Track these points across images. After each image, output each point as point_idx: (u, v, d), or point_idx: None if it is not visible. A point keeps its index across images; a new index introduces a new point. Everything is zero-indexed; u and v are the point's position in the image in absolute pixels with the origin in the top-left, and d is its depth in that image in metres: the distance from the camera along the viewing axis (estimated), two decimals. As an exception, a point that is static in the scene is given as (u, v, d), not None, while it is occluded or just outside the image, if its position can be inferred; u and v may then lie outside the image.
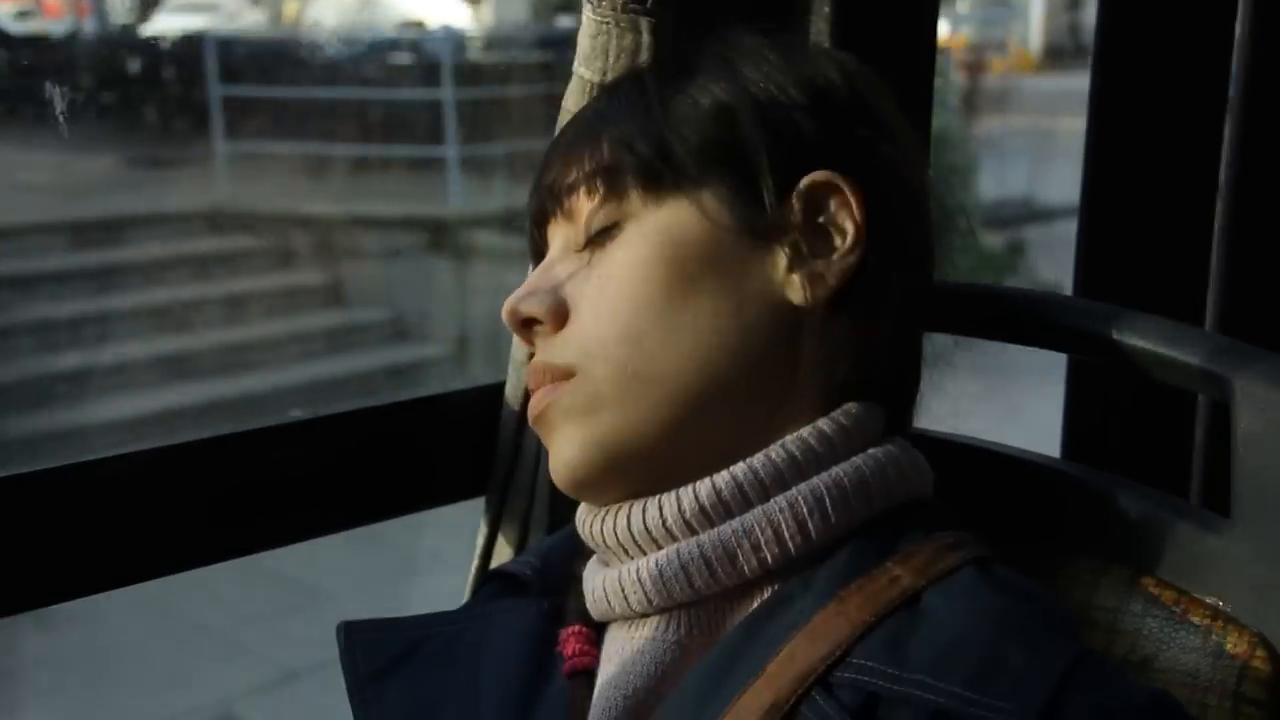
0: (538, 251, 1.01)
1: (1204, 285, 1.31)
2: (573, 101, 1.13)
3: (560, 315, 0.94)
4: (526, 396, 1.17)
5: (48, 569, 1.07)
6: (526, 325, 0.96)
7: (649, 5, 1.10)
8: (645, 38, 1.10)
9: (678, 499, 0.90)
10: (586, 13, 1.12)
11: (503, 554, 1.24)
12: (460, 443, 1.26)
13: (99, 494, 1.08)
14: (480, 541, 1.25)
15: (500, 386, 1.24)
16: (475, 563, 1.26)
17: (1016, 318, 1.10)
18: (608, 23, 1.10)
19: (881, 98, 0.99)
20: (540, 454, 1.20)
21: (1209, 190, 1.29)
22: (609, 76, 1.10)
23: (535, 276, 0.96)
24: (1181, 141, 1.31)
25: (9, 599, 1.06)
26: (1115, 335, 1.01)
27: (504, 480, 1.23)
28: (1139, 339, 1.00)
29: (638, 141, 0.93)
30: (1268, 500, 0.90)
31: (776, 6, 1.05)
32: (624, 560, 0.92)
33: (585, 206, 0.94)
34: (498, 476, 1.24)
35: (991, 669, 0.77)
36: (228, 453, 1.14)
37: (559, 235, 0.97)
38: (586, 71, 1.12)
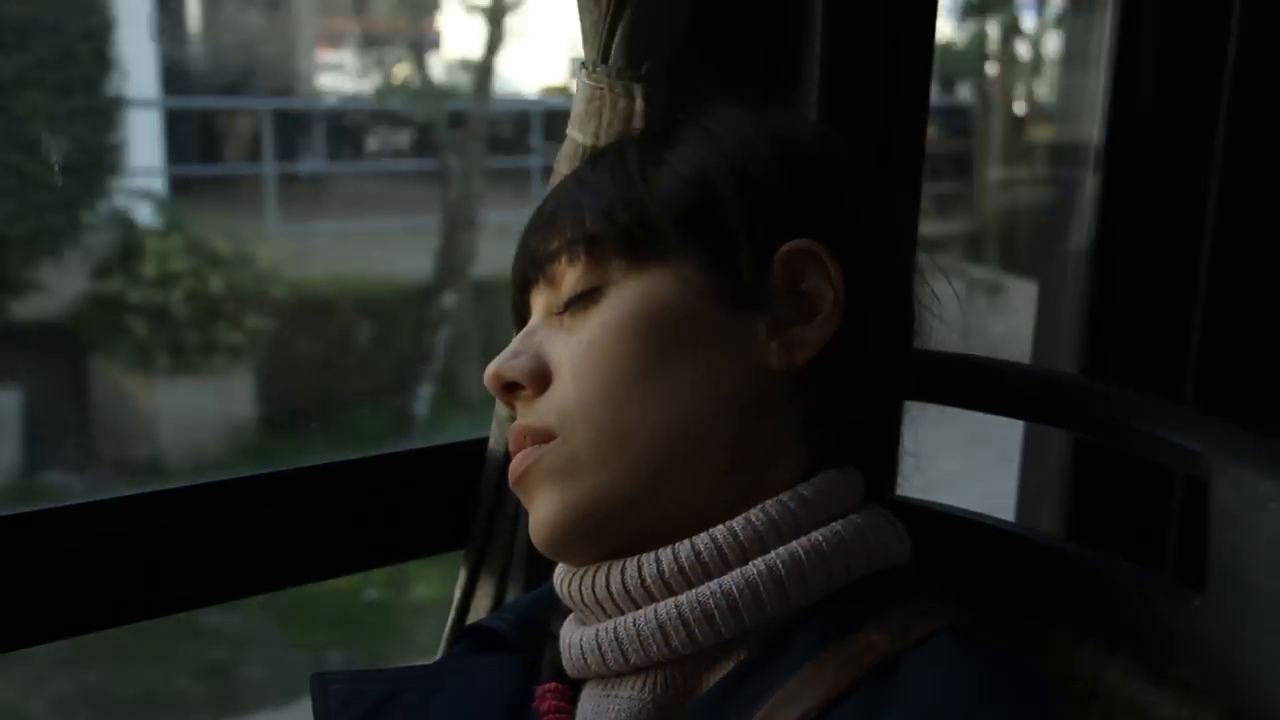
0: (520, 317, 1.02)
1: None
2: (565, 164, 1.14)
3: (541, 380, 0.94)
4: (508, 454, 1.19)
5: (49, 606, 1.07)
6: (509, 389, 0.97)
7: (642, 72, 1.12)
8: (638, 103, 1.12)
9: (657, 560, 0.90)
10: (581, 78, 1.13)
11: (480, 609, 1.24)
12: (441, 497, 1.26)
13: (82, 538, 1.08)
14: (457, 595, 1.25)
15: (482, 442, 1.24)
16: (451, 616, 1.26)
17: (996, 389, 1.11)
18: (601, 88, 1.12)
19: (861, 166, 1.00)
20: (519, 511, 1.20)
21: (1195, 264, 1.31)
22: (601, 141, 1.12)
23: (517, 341, 0.97)
24: (1172, 218, 1.32)
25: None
26: (1091, 408, 1.02)
27: (483, 535, 1.24)
28: (1115, 413, 1.01)
29: (619, 210, 0.94)
30: (1241, 577, 0.91)
31: (767, 74, 1.06)
32: (601, 619, 0.93)
33: (568, 273, 0.95)
34: (477, 531, 1.24)
35: None
36: (206, 502, 1.14)
37: (541, 301, 0.98)
38: (580, 135, 1.13)
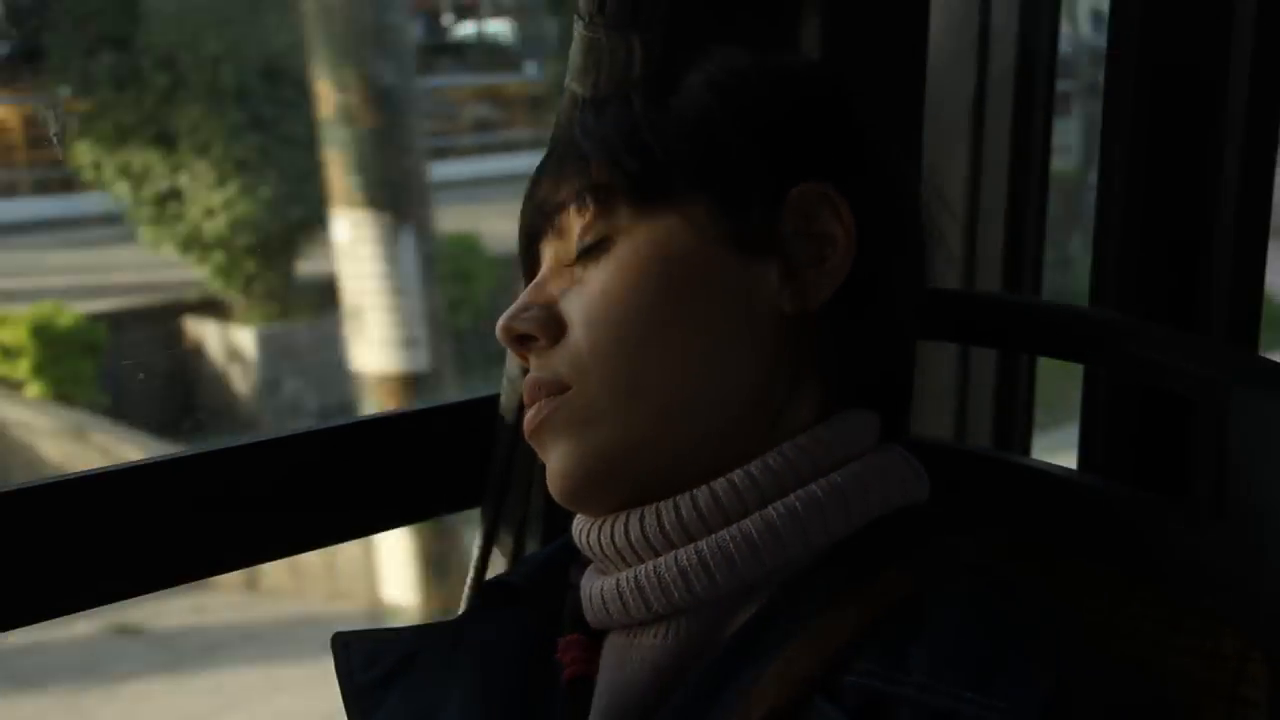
0: (530, 268, 1.01)
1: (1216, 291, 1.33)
2: (565, 116, 1.13)
3: (554, 331, 0.94)
4: (520, 408, 1.18)
5: (44, 584, 1.07)
6: (521, 341, 0.96)
7: (639, 21, 1.11)
8: (637, 53, 1.11)
9: (675, 506, 0.90)
10: (578, 28, 1.12)
11: (498, 565, 1.24)
12: (455, 455, 1.26)
13: (102, 506, 1.08)
14: (475, 552, 1.26)
15: (494, 399, 1.24)
16: (471, 573, 1.26)
17: (1011, 325, 1.11)
18: (599, 38, 1.11)
19: (866, 106, 0.99)
20: (534, 466, 1.20)
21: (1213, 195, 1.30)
22: (601, 91, 1.11)
23: (528, 293, 0.97)
24: (1185, 150, 1.31)
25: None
26: (1104, 340, 1.02)
27: (498, 492, 1.24)
28: (1129, 344, 1.01)
29: (625, 158, 0.93)
30: (1260, 503, 0.91)
31: (765, 21, 1.05)
32: (622, 568, 0.93)
33: (576, 223, 0.95)
34: (492, 488, 1.24)
35: (992, 669, 0.77)
36: (219, 465, 1.14)
37: (550, 252, 0.98)
38: (578, 86, 1.13)
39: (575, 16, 1.13)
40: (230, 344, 6.99)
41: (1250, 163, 1.30)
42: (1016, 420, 1.59)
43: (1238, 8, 1.26)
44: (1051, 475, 1.07)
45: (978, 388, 1.58)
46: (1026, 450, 1.59)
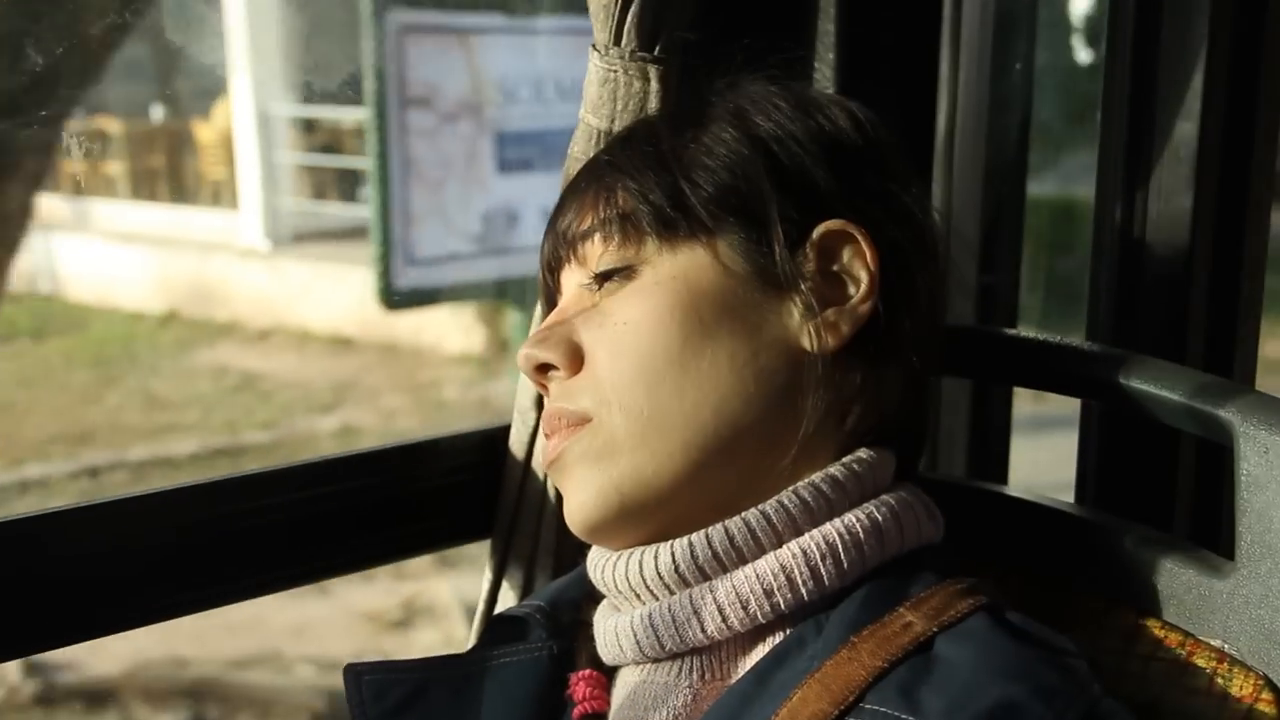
0: (550, 297, 1.02)
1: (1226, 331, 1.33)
2: (579, 148, 1.13)
3: (575, 360, 0.94)
4: (531, 440, 1.19)
5: (63, 610, 1.07)
6: (541, 370, 0.96)
7: (657, 53, 1.11)
8: (653, 85, 1.11)
9: (690, 544, 0.90)
10: (594, 60, 1.12)
11: (507, 598, 1.24)
12: (464, 486, 1.26)
13: (112, 536, 1.07)
14: (485, 585, 1.25)
15: (505, 429, 1.24)
16: (481, 606, 1.25)
17: (1019, 361, 1.11)
18: (615, 70, 1.11)
19: (891, 144, 1.00)
20: (545, 498, 1.20)
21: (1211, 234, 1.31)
22: (617, 124, 1.11)
23: (549, 322, 0.97)
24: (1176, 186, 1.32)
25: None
26: (1115, 378, 1.02)
27: (509, 524, 1.23)
28: (1140, 382, 1.01)
29: (653, 190, 0.93)
30: (1272, 544, 0.91)
31: (782, 53, 1.06)
32: (636, 605, 0.93)
33: (600, 252, 0.95)
34: (502, 520, 1.24)
35: (1004, 715, 0.77)
36: (226, 496, 1.13)
37: (572, 281, 0.98)
38: (594, 119, 1.12)
39: (591, 48, 1.13)
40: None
41: (1246, 199, 1.31)
42: (991, 450, 1.60)
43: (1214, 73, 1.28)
44: (1067, 515, 1.06)
45: (952, 417, 1.58)
46: (1003, 480, 1.59)
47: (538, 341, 0.95)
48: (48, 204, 8.27)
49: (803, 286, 0.92)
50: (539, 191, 6.00)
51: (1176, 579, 0.97)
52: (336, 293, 8.30)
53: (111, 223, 9.27)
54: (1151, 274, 1.30)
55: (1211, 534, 1.32)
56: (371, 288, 6.23)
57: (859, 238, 0.92)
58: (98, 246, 9.16)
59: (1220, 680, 0.92)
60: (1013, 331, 1.13)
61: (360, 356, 8.09)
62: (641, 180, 0.94)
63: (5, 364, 7.68)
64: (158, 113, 9.71)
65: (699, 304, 0.91)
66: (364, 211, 7.69)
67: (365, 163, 7.15)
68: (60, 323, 8.54)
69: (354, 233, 7.98)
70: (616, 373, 0.92)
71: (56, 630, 1.07)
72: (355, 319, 8.03)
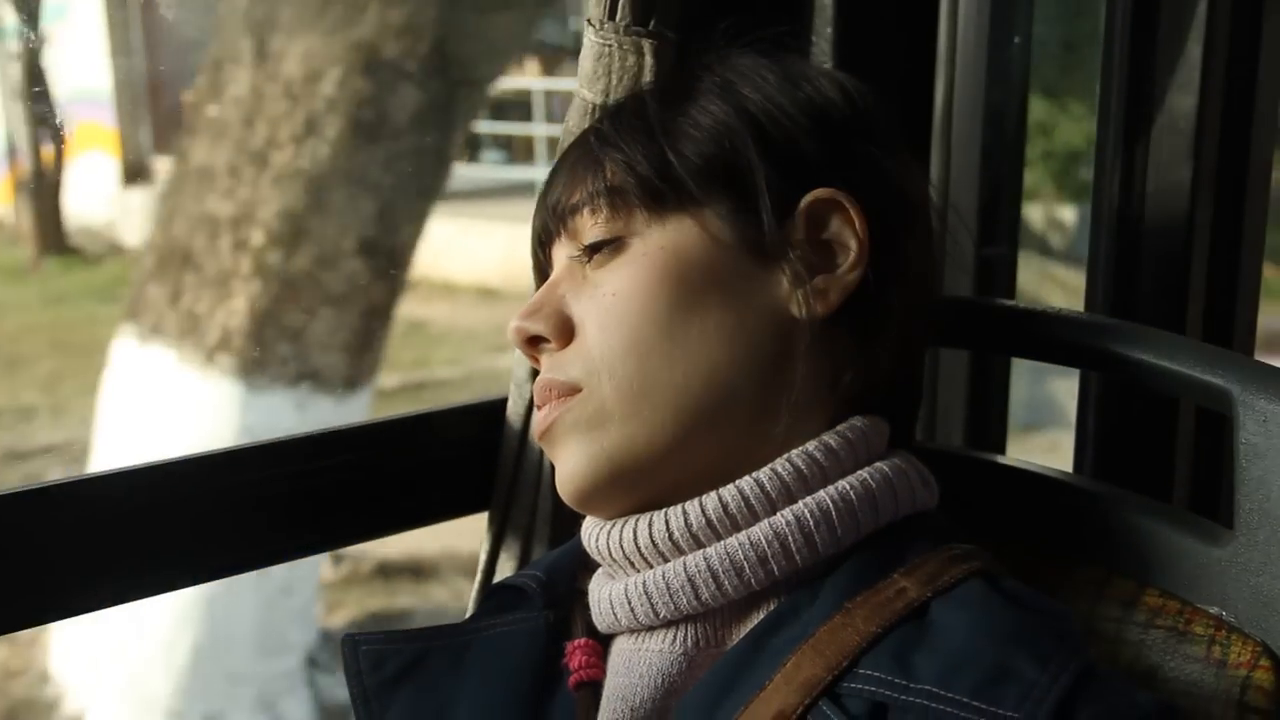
0: (542, 270, 1.02)
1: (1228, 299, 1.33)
2: (574, 122, 1.13)
3: (566, 332, 0.94)
4: (528, 412, 1.19)
5: (56, 584, 1.07)
6: (532, 343, 0.97)
7: (651, 27, 1.11)
8: (648, 59, 1.10)
9: (684, 512, 0.90)
10: (588, 34, 1.12)
11: (505, 568, 1.24)
12: (462, 458, 1.26)
13: (109, 507, 1.07)
14: (483, 555, 1.25)
15: (502, 402, 1.24)
16: (479, 576, 1.26)
17: (1018, 332, 1.11)
18: (610, 44, 1.11)
19: (880, 114, 0.99)
20: (542, 469, 1.20)
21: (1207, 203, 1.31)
22: (611, 97, 1.11)
23: (540, 294, 0.97)
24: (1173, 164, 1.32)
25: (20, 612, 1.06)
26: (1115, 348, 1.02)
27: (506, 495, 1.24)
28: (1140, 352, 1.01)
29: (640, 162, 0.94)
30: (1270, 512, 0.91)
31: (779, 27, 1.05)
32: (630, 573, 0.93)
33: (590, 225, 0.95)
34: (500, 492, 1.24)
35: (999, 679, 0.77)
36: (224, 468, 1.14)
37: (563, 254, 0.98)
38: (588, 92, 1.12)
39: (586, 22, 1.13)
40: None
41: (1245, 171, 1.31)
42: (991, 421, 1.60)
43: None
44: (1063, 484, 1.06)
45: (949, 388, 1.59)
46: (1001, 451, 1.59)
47: (528, 314, 0.96)
48: None
49: (791, 255, 0.92)
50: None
51: (1175, 547, 0.97)
52: (480, 248, 8.65)
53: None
54: (1150, 245, 1.30)
55: (1210, 503, 1.32)
56: (512, 243, 6.65)
57: (847, 206, 0.92)
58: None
59: (1218, 648, 0.92)
60: (1010, 303, 1.13)
61: (508, 305, 8.55)
62: (629, 153, 0.94)
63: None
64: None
65: (688, 274, 0.91)
66: (490, 173, 8.58)
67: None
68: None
69: (489, 193, 8.49)
70: (606, 344, 0.92)
71: (61, 601, 1.08)
72: (499, 272, 8.34)
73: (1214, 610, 0.94)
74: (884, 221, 0.94)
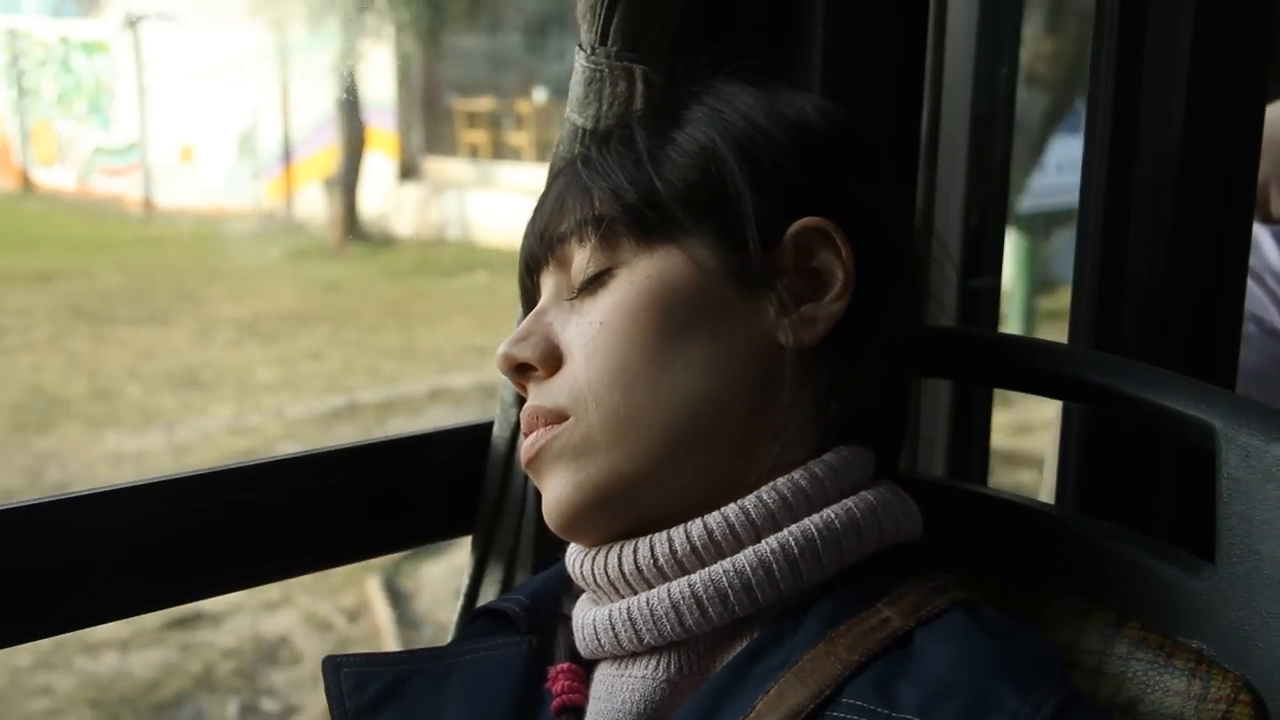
0: (529, 298, 1.02)
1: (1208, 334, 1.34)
2: (564, 147, 1.13)
3: (553, 360, 0.95)
4: (514, 436, 1.19)
5: (49, 599, 1.06)
6: (520, 370, 0.97)
7: (641, 54, 1.11)
8: (638, 85, 1.11)
9: (669, 539, 0.90)
10: (579, 59, 1.13)
11: (489, 592, 1.24)
12: (447, 481, 1.26)
13: (96, 526, 1.07)
14: (467, 579, 1.25)
15: (487, 426, 1.24)
16: (461, 600, 1.26)
17: (1001, 362, 1.11)
18: (601, 70, 1.11)
19: (866, 143, 1.00)
20: (526, 494, 1.20)
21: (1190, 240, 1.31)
22: (602, 123, 1.11)
23: (528, 322, 0.97)
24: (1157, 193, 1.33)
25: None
26: (1098, 380, 1.03)
27: (490, 519, 1.23)
28: (1122, 385, 1.01)
29: (627, 190, 0.94)
30: (1252, 546, 0.91)
31: (768, 54, 1.06)
32: (615, 598, 0.93)
33: (577, 254, 0.95)
34: (484, 515, 1.24)
35: (981, 710, 0.78)
36: (207, 489, 1.13)
37: (550, 282, 0.98)
38: (579, 118, 1.13)
39: (577, 47, 1.13)
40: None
41: (1228, 203, 1.32)
42: (972, 452, 1.61)
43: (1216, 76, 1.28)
44: (1047, 515, 1.07)
45: (932, 418, 1.59)
46: (983, 481, 1.59)
47: (516, 341, 0.96)
48: (456, 168, 11.62)
49: (778, 284, 0.93)
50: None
51: (1156, 580, 0.97)
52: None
53: (512, 181, 11.21)
54: (1133, 277, 1.30)
55: (1191, 536, 1.32)
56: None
57: (834, 235, 0.93)
58: (501, 200, 10.87)
59: (1199, 682, 0.92)
60: (993, 333, 1.14)
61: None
62: (616, 180, 0.95)
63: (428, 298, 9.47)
64: (540, 95, 11.64)
65: (674, 303, 0.92)
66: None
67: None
68: (469, 261, 10.42)
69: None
70: (593, 372, 0.92)
71: (50, 617, 1.08)
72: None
73: (1195, 644, 0.94)
74: (871, 250, 0.95)
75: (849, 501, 0.91)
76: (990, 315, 1.57)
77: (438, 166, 11.99)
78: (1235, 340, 1.35)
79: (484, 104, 11.76)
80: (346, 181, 10.40)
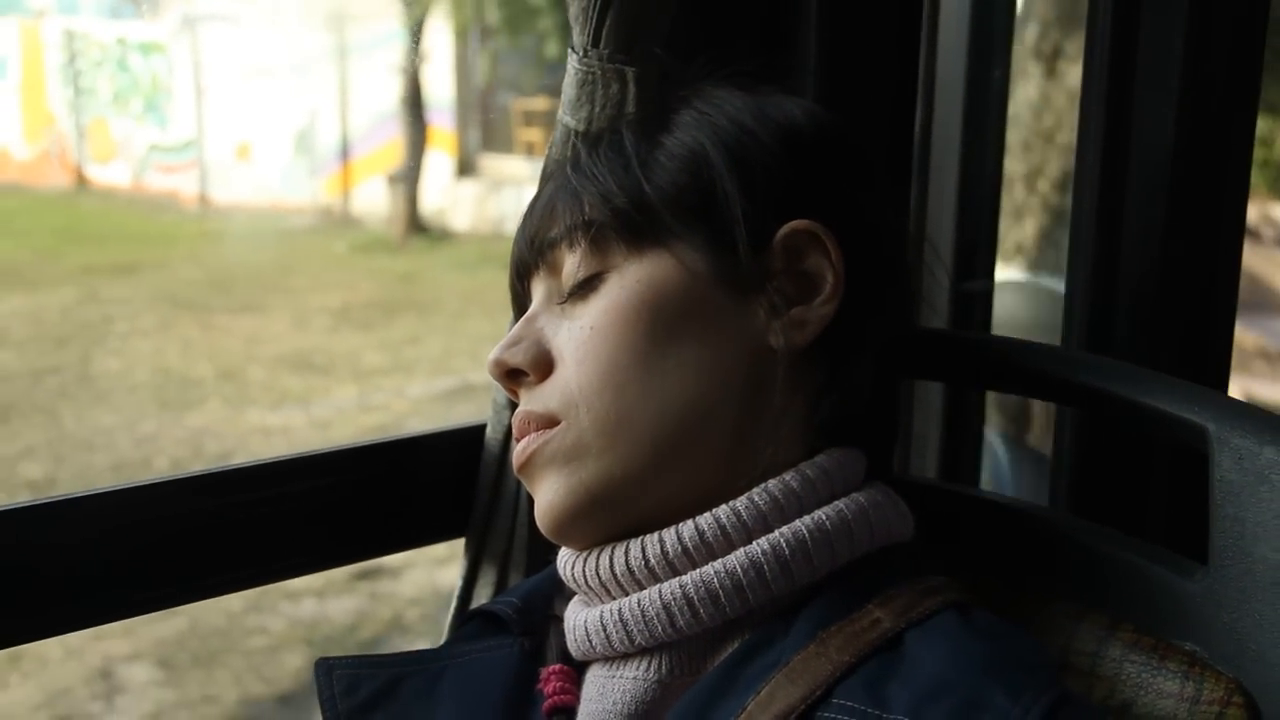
0: (520, 303, 1.02)
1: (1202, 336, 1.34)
2: (557, 150, 1.13)
3: (544, 365, 0.95)
4: (507, 439, 1.19)
5: (40, 601, 1.06)
6: (511, 375, 0.97)
7: (633, 56, 1.11)
8: (631, 88, 1.11)
9: (661, 540, 0.90)
10: (572, 62, 1.12)
11: (482, 594, 1.24)
12: (441, 484, 1.26)
13: (76, 529, 1.07)
14: (460, 582, 1.25)
15: (480, 428, 1.24)
16: (455, 602, 1.26)
17: (993, 365, 1.11)
18: (593, 72, 1.11)
19: (857, 146, 1.00)
20: (519, 496, 1.20)
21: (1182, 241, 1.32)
22: (594, 125, 1.11)
23: (519, 328, 0.97)
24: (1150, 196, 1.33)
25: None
26: (1090, 383, 1.03)
27: (483, 521, 1.23)
28: (1115, 387, 1.01)
29: (617, 195, 0.94)
30: (1244, 548, 0.91)
31: (761, 58, 1.06)
32: (606, 600, 0.93)
33: (567, 259, 0.95)
34: (477, 518, 1.24)
35: (972, 711, 0.78)
36: (201, 491, 1.13)
37: (541, 287, 0.98)
38: (571, 120, 1.13)
39: (570, 49, 1.13)
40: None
41: (1220, 206, 1.32)
42: (964, 454, 1.61)
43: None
44: (1040, 518, 1.07)
45: (925, 420, 1.59)
46: (975, 482, 1.59)
47: (507, 347, 0.96)
48: (513, 164, 12.01)
49: (768, 286, 0.93)
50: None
51: (1149, 583, 0.97)
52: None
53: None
54: (1126, 279, 1.30)
55: (1184, 539, 1.32)
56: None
57: (824, 238, 0.93)
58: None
59: (1191, 684, 0.92)
60: (986, 336, 1.14)
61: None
62: (605, 186, 0.95)
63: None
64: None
65: (665, 307, 0.92)
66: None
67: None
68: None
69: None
70: (584, 377, 0.92)
71: (44, 618, 1.07)
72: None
73: (1188, 646, 0.94)
74: (860, 252, 0.95)
75: (840, 503, 0.91)
76: (983, 318, 1.58)
77: (494, 164, 12.37)
78: (1228, 342, 1.35)
79: (540, 103, 12.10)
80: (410, 177, 10.81)
